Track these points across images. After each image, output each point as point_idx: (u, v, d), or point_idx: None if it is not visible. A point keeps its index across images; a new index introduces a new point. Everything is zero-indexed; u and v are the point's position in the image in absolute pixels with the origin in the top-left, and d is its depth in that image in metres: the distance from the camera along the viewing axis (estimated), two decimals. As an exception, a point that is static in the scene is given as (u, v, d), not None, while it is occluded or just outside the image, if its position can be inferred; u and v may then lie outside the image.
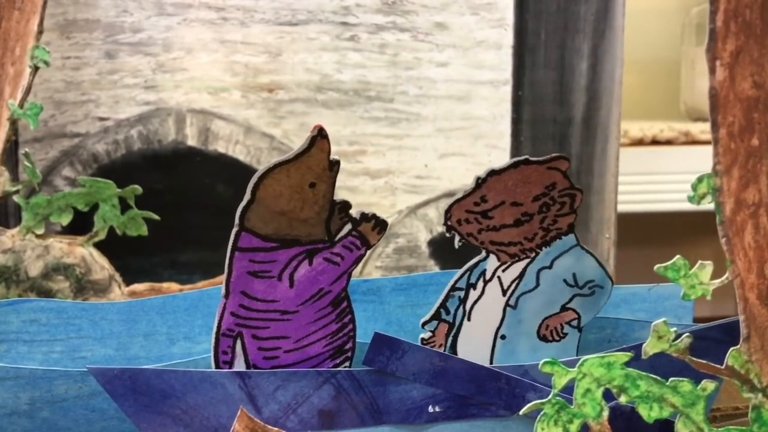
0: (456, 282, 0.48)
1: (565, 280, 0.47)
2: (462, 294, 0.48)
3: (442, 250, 0.78)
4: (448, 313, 0.48)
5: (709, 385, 0.41)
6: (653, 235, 1.19)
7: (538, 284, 0.47)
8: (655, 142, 1.08)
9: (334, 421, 0.44)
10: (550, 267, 0.47)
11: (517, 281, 0.47)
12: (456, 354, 0.48)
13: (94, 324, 0.53)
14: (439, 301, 0.48)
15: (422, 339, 0.48)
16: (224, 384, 0.43)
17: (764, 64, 0.38)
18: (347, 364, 0.46)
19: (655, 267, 0.41)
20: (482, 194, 0.46)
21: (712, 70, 0.38)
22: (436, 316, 0.48)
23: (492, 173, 0.46)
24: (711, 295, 0.41)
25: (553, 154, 0.46)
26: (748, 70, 0.38)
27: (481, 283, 0.48)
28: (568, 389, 0.42)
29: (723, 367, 0.41)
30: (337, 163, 0.44)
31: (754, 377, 0.41)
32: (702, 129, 1.06)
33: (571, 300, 0.48)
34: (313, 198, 0.44)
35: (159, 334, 0.54)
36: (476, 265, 0.48)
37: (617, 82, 0.80)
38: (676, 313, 0.56)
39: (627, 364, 0.41)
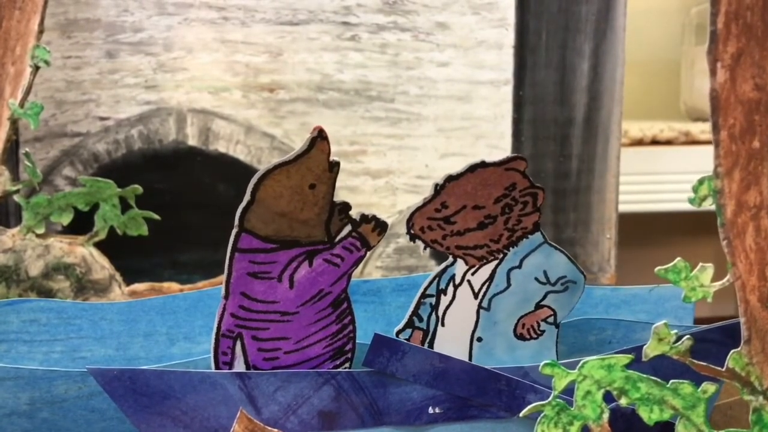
0: (425, 289, 0.48)
1: (536, 278, 0.47)
2: (433, 300, 0.48)
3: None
4: (421, 320, 0.48)
5: (709, 388, 0.41)
6: (654, 236, 1.19)
7: (509, 284, 0.47)
8: (655, 142, 1.08)
9: (334, 422, 0.44)
10: (519, 266, 0.47)
11: (487, 283, 0.47)
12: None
13: (94, 324, 0.53)
14: (411, 309, 0.48)
15: None
16: (224, 385, 0.43)
17: (765, 66, 0.38)
18: (347, 365, 0.46)
19: (656, 269, 0.41)
20: (442, 200, 0.46)
21: (713, 72, 0.38)
22: (410, 324, 0.48)
23: (450, 179, 0.46)
24: (712, 297, 0.41)
25: (510, 155, 0.46)
26: (749, 72, 0.38)
27: (451, 288, 0.48)
28: (569, 391, 0.42)
29: (724, 369, 0.41)
30: (337, 164, 0.44)
31: (754, 380, 0.41)
32: (702, 129, 1.06)
33: (544, 297, 0.48)
34: (313, 199, 0.44)
35: (159, 335, 0.54)
36: (444, 270, 0.48)
37: (618, 82, 0.80)
38: (676, 314, 0.56)
39: (628, 366, 0.41)
